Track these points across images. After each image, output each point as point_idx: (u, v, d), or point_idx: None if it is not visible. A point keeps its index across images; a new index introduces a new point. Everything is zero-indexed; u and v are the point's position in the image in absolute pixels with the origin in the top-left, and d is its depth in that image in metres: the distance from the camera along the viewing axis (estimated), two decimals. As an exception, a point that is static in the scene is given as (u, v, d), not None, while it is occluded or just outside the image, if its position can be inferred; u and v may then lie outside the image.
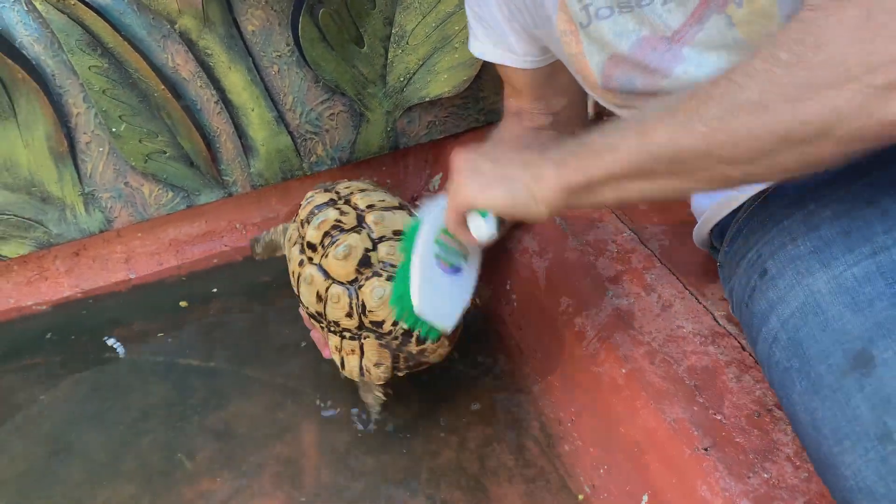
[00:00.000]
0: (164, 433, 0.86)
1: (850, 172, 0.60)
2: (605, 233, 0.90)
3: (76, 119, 0.98)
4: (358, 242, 0.75)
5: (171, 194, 1.07)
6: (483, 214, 0.66)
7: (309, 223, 0.79)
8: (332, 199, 0.81)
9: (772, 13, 0.59)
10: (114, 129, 0.99)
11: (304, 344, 0.94)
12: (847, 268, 0.55)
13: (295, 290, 0.81)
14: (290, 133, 1.07)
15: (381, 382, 0.78)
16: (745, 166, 0.51)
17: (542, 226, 0.95)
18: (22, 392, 0.94)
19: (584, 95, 0.93)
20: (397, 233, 0.78)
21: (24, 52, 0.91)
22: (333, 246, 0.75)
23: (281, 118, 1.06)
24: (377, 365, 0.76)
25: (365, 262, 0.75)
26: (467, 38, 1.04)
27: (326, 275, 0.75)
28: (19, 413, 0.91)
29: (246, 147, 1.06)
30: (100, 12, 0.91)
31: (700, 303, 0.78)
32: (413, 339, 0.74)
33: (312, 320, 0.81)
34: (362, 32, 1.03)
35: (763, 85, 0.48)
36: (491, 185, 0.63)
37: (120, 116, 0.98)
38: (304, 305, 0.80)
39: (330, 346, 0.79)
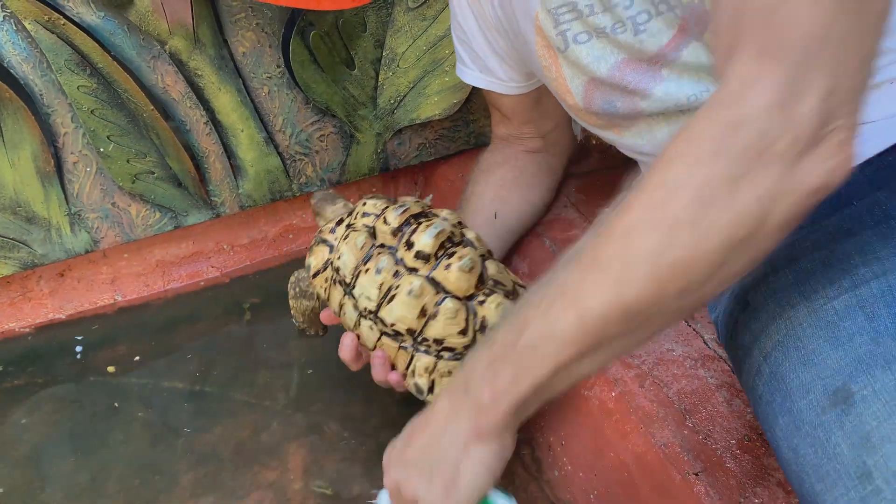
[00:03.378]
0: (148, 456, 0.84)
1: (830, 203, 0.60)
2: (594, 255, 0.90)
3: (63, 139, 0.97)
4: (476, 257, 0.70)
5: (158, 215, 1.06)
6: (487, 502, 0.56)
7: (412, 231, 0.71)
8: (424, 212, 0.74)
9: None
10: (102, 149, 0.98)
11: (291, 365, 0.94)
12: (827, 301, 0.54)
13: (366, 301, 0.71)
14: (279, 154, 1.07)
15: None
16: (698, 292, 0.45)
17: (531, 248, 0.95)
18: (2, 414, 0.92)
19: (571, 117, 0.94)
20: (490, 253, 0.75)
21: (12, 71, 0.91)
22: (455, 257, 0.70)
23: (270, 139, 1.05)
24: None
25: (480, 278, 0.71)
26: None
27: (439, 287, 0.69)
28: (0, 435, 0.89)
29: (235, 168, 1.06)
30: (89, 32, 0.91)
31: (690, 326, 0.78)
32: None
33: (385, 339, 0.71)
34: (353, 55, 1.03)
35: (691, 193, 0.43)
36: (455, 480, 0.53)
37: (108, 136, 0.98)
38: (377, 323, 0.71)
39: (416, 368, 0.71)
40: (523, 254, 0.95)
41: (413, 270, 0.70)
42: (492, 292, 0.70)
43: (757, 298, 0.60)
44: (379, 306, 0.71)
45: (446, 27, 1.04)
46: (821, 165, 0.42)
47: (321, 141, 1.09)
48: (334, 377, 0.91)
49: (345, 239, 0.75)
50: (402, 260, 0.71)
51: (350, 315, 0.74)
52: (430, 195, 1.16)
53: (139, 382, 0.95)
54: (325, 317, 0.79)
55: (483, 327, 0.69)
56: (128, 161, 1.00)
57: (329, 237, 0.77)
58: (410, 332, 0.70)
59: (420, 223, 0.72)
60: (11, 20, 0.88)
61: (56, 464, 0.85)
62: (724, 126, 0.43)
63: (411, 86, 1.08)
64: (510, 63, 0.84)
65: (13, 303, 1.06)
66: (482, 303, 0.70)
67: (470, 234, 0.74)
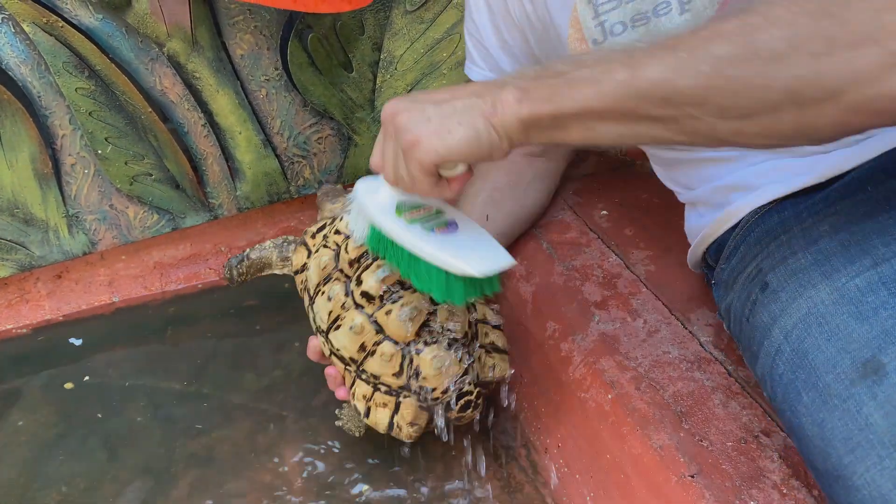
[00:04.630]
0: (145, 459, 0.84)
1: (846, 189, 0.61)
2: (591, 258, 0.91)
3: (62, 141, 0.97)
4: (422, 305, 0.70)
5: (156, 217, 1.06)
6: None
7: (365, 267, 0.73)
8: None
9: None
10: (100, 151, 0.98)
11: (288, 368, 0.94)
12: (849, 279, 0.55)
13: (319, 321, 0.74)
14: (277, 156, 1.07)
15: (410, 440, 0.75)
16: (739, 122, 0.47)
17: (528, 250, 0.95)
18: (-1, 417, 0.92)
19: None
20: None
21: (10, 73, 0.91)
22: (397, 304, 0.70)
23: (268, 141, 1.06)
24: (412, 424, 0.73)
25: (424, 325, 0.71)
26: (455, 64, 1.06)
27: (380, 329, 0.71)
28: (-4, 438, 0.89)
29: (232, 170, 1.06)
30: (87, 35, 0.91)
31: (686, 328, 0.78)
32: (456, 407, 0.72)
33: (334, 358, 0.75)
34: (351, 57, 1.03)
35: (785, 32, 0.44)
36: (448, 128, 0.54)
37: (106, 138, 0.98)
38: (327, 342, 0.74)
39: (356, 392, 0.74)
40: (521, 255, 0.96)
41: (360, 307, 0.72)
42: (434, 342, 0.70)
43: (776, 280, 0.60)
44: (329, 329, 0.73)
45: (444, 30, 1.04)
46: None
47: (319, 143, 1.09)
48: (331, 379, 0.91)
49: (316, 252, 0.77)
50: (352, 293, 0.73)
51: (311, 324, 0.77)
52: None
53: (136, 384, 0.95)
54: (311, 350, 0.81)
55: (417, 374, 0.70)
56: (126, 163, 1.00)
57: (309, 242, 0.79)
58: (353, 360, 0.72)
59: (375, 260, 0.73)
60: (10, 22, 0.88)
61: (53, 465, 0.85)
62: None
63: (409, 88, 1.08)
64: (522, 62, 0.84)
65: (11, 304, 1.06)
66: (419, 352, 0.70)
67: None
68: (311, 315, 0.77)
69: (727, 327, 0.71)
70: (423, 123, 0.55)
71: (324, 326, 0.74)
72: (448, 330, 0.71)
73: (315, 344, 0.77)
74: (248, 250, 0.85)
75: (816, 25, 0.43)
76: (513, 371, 0.77)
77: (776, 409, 0.60)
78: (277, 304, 0.86)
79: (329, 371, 0.77)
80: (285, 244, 0.85)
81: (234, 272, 0.85)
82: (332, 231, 0.78)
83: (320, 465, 0.81)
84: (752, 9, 0.46)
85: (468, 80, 0.99)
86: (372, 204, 0.64)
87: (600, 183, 1.04)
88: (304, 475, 0.80)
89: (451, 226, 0.66)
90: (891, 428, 0.48)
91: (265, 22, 0.98)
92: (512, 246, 0.96)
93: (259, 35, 0.98)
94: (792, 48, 0.43)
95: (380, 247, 0.65)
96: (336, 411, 0.82)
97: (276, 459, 0.82)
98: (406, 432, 0.73)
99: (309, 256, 0.78)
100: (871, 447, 0.48)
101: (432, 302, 0.71)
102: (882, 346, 0.50)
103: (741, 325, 0.66)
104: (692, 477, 0.62)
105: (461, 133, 0.54)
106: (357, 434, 0.80)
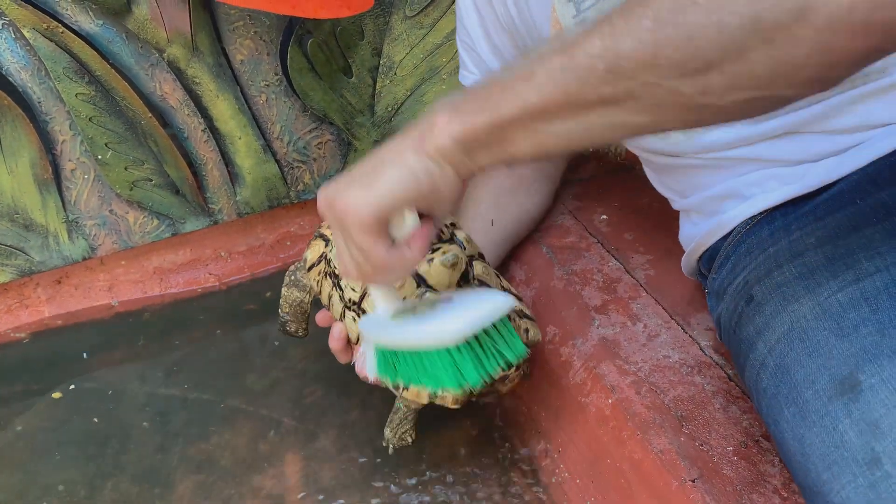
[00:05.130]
0: (144, 465, 0.84)
1: (834, 201, 0.61)
2: (591, 262, 0.91)
3: (62, 146, 0.97)
4: (462, 255, 0.69)
5: (156, 222, 1.06)
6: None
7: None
8: None
9: None
10: (99, 157, 0.99)
11: (288, 374, 0.94)
12: (832, 294, 0.55)
13: (351, 292, 0.71)
14: (277, 161, 1.07)
15: (455, 406, 0.70)
16: (703, 77, 0.39)
17: (528, 255, 0.96)
18: (-2, 422, 0.92)
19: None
20: (482, 255, 0.75)
21: (11, 79, 0.91)
22: (438, 252, 0.69)
23: (268, 147, 1.06)
24: None
25: (464, 276, 0.70)
26: (455, 69, 1.06)
27: (421, 280, 0.69)
28: (-5, 444, 0.89)
29: (232, 175, 1.06)
30: (88, 40, 0.91)
31: (686, 332, 0.78)
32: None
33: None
34: (350, 63, 1.04)
35: None
36: (374, 177, 0.48)
37: (106, 144, 0.98)
38: (361, 313, 0.70)
39: None
40: (520, 260, 0.96)
41: None
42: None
43: (761, 292, 0.60)
44: (362, 297, 0.71)
45: (444, 35, 1.04)
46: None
47: (319, 148, 1.09)
48: (331, 385, 0.91)
49: None
50: None
51: (336, 307, 0.74)
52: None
53: (136, 389, 0.95)
54: (321, 318, 0.79)
55: None
56: (125, 168, 1.00)
57: (326, 232, 0.79)
58: None
59: None
60: (10, 28, 0.89)
61: (52, 471, 0.84)
62: None
63: (409, 94, 1.08)
64: None
65: (10, 310, 1.06)
66: None
67: (460, 234, 0.75)
68: (335, 297, 0.74)
69: (718, 337, 0.71)
70: (349, 187, 0.49)
71: (356, 296, 0.70)
72: (484, 283, 0.71)
73: (339, 329, 0.72)
74: (279, 311, 0.85)
75: None
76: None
77: (763, 421, 0.60)
78: (277, 308, 0.86)
79: (360, 350, 0.71)
80: (293, 273, 0.83)
81: (288, 329, 0.85)
82: None
83: (322, 471, 0.81)
84: None
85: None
86: (369, 328, 0.61)
87: (599, 187, 1.05)
88: (306, 481, 0.80)
89: (443, 302, 0.60)
90: (864, 446, 0.47)
91: (265, 27, 0.98)
92: (513, 251, 0.96)
93: (259, 40, 0.99)
94: None
95: (388, 369, 0.60)
96: (382, 443, 0.77)
97: (276, 465, 0.82)
98: (451, 396, 0.69)
99: (326, 245, 0.77)
100: (846, 465, 0.48)
101: (467, 257, 0.70)
102: (859, 363, 0.50)
103: (730, 337, 0.66)
104: (693, 482, 0.62)
105: (389, 175, 0.47)
106: (409, 440, 0.76)
